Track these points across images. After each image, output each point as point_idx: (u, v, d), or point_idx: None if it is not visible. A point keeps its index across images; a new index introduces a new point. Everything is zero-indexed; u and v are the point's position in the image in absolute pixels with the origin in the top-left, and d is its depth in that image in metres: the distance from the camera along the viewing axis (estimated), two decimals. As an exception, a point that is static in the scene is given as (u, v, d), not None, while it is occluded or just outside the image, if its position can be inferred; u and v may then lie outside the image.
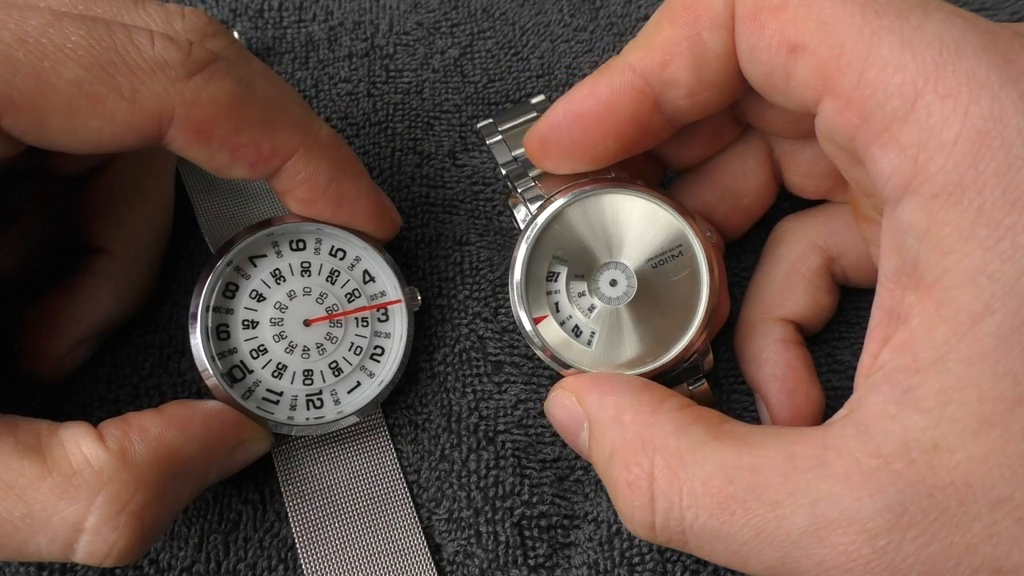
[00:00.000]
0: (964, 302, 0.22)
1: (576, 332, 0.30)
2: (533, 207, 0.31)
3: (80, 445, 0.26)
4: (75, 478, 0.25)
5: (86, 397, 0.33)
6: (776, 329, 0.32)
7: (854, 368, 0.33)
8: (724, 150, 0.33)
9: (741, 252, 0.36)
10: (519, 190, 0.31)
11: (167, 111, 0.25)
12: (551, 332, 0.30)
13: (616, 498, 0.26)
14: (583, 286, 0.30)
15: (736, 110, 0.31)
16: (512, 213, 0.32)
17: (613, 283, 0.30)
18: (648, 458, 0.25)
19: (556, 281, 0.30)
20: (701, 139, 0.32)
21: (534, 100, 0.32)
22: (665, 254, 0.30)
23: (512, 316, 0.31)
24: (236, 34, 0.37)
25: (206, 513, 0.32)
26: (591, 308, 0.30)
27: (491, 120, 0.32)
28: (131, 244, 0.32)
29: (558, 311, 0.30)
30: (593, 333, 0.30)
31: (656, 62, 0.27)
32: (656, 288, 0.30)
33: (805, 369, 0.32)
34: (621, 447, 0.25)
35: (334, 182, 0.29)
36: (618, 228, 0.30)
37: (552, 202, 0.30)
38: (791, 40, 0.24)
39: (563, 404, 0.28)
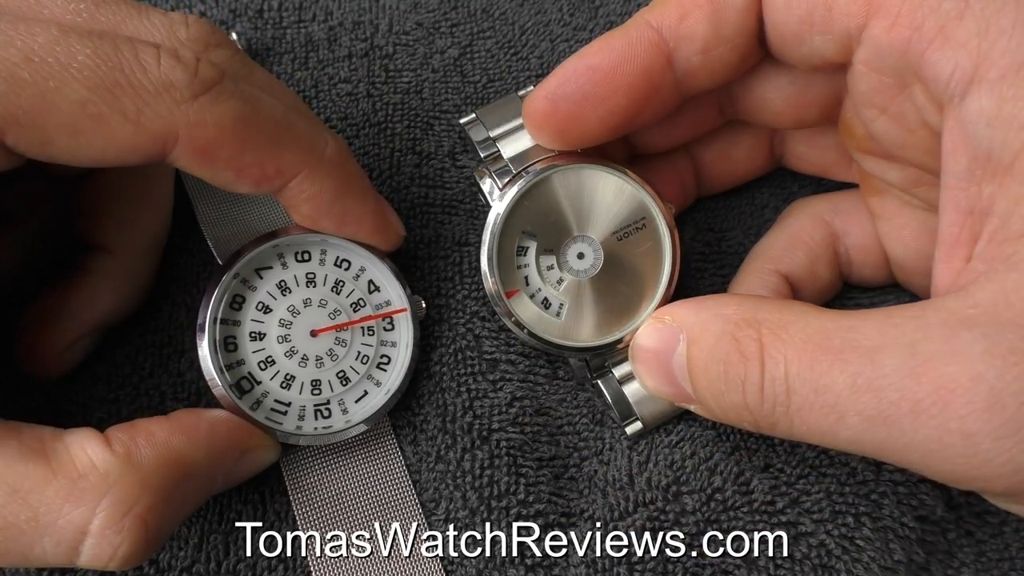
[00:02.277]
0: None
1: (546, 304, 0.31)
2: (501, 181, 0.31)
3: (86, 449, 0.26)
4: (81, 481, 0.25)
5: (86, 397, 0.33)
6: (772, 279, 0.32)
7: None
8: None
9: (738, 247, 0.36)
10: (488, 163, 0.32)
11: (171, 133, 0.25)
12: (522, 305, 0.31)
13: (726, 376, 0.26)
14: (552, 259, 0.31)
15: (725, 102, 0.31)
16: (479, 186, 0.32)
17: (581, 256, 0.31)
18: (755, 330, 0.25)
19: (526, 255, 0.31)
20: (680, 123, 0.32)
21: (521, 93, 0.32)
22: (629, 227, 0.31)
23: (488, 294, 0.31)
24: (235, 35, 0.37)
25: (206, 513, 0.32)
26: (560, 281, 0.31)
27: (474, 115, 0.32)
28: (130, 242, 0.32)
29: (528, 284, 0.31)
30: (562, 305, 0.31)
31: (674, 16, 0.27)
32: (622, 260, 0.31)
33: None
34: (725, 331, 0.26)
35: (338, 202, 0.30)
36: (584, 202, 0.31)
37: (520, 177, 0.31)
38: None
39: (654, 330, 0.28)
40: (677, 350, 0.27)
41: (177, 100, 0.25)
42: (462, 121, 0.32)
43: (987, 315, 0.22)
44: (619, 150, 0.33)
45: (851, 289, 0.35)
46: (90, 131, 0.24)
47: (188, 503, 0.28)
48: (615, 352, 0.31)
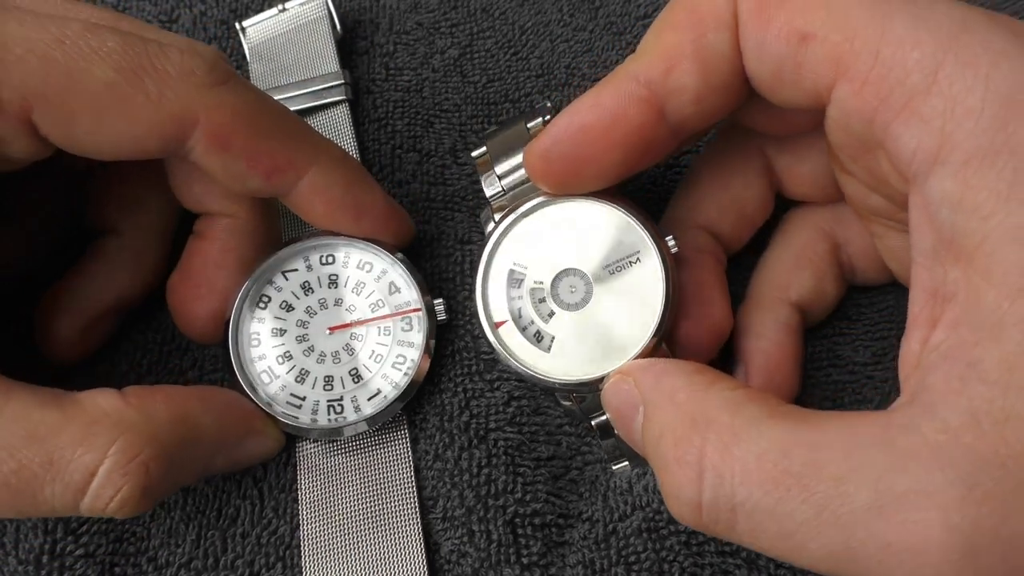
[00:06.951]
0: (1011, 262, 0.21)
1: (537, 338, 0.30)
2: (498, 213, 0.31)
3: (98, 399, 0.27)
4: (94, 426, 0.26)
5: (85, 394, 0.33)
6: (783, 310, 0.32)
7: (855, 363, 0.33)
8: (724, 165, 0.32)
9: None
10: (492, 205, 0.31)
11: (190, 115, 0.27)
12: (512, 338, 0.30)
13: (663, 478, 0.25)
14: (543, 292, 0.30)
15: None
16: (483, 227, 0.32)
17: (572, 289, 0.30)
18: (700, 434, 0.24)
19: (519, 287, 0.30)
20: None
21: (530, 124, 0.31)
22: (622, 260, 0.30)
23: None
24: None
25: (204, 509, 0.32)
26: (551, 314, 0.30)
27: (484, 149, 0.32)
28: (141, 224, 0.33)
29: (520, 316, 0.30)
30: (553, 338, 0.30)
31: (660, 69, 0.26)
32: (613, 294, 0.30)
33: (794, 359, 0.32)
34: (672, 425, 0.24)
35: (349, 193, 0.31)
36: (577, 234, 0.30)
37: (514, 210, 0.30)
38: (800, 29, 0.24)
39: (621, 389, 0.27)
40: (636, 419, 0.26)
41: (197, 85, 0.27)
42: (474, 155, 0.31)
43: (959, 448, 0.21)
44: None
45: (851, 291, 0.34)
46: (113, 111, 0.26)
47: (188, 470, 0.29)
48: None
